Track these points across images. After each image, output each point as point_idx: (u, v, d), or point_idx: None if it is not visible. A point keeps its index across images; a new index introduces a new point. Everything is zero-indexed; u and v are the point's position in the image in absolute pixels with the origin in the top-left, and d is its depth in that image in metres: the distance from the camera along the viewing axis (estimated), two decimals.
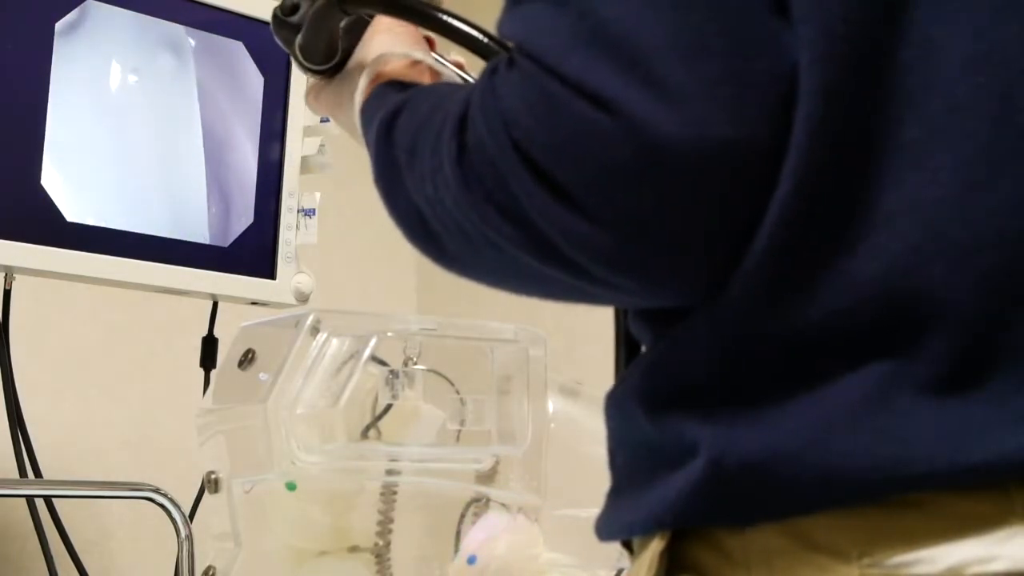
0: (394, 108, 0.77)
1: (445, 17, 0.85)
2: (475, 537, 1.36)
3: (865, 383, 0.63)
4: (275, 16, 0.95)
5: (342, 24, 0.92)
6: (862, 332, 0.63)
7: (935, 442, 0.62)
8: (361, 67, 0.89)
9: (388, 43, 0.89)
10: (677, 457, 0.66)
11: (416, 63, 0.89)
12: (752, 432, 0.64)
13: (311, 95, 0.99)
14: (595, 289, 0.68)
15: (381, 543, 1.38)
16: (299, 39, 0.92)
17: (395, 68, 0.86)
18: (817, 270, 0.63)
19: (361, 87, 0.85)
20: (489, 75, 0.68)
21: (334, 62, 0.94)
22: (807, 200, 0.63)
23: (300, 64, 0.95)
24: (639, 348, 0.74)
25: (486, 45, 0.83)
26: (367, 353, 1.27)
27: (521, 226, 0.65)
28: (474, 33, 0.83)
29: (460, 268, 0.74)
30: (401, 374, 1.32)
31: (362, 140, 0.88)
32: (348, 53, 0.93)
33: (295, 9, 0.94)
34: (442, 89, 0.78)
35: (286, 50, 0.95)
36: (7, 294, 1.43)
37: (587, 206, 0.63)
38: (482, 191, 0.66)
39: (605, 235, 0.64)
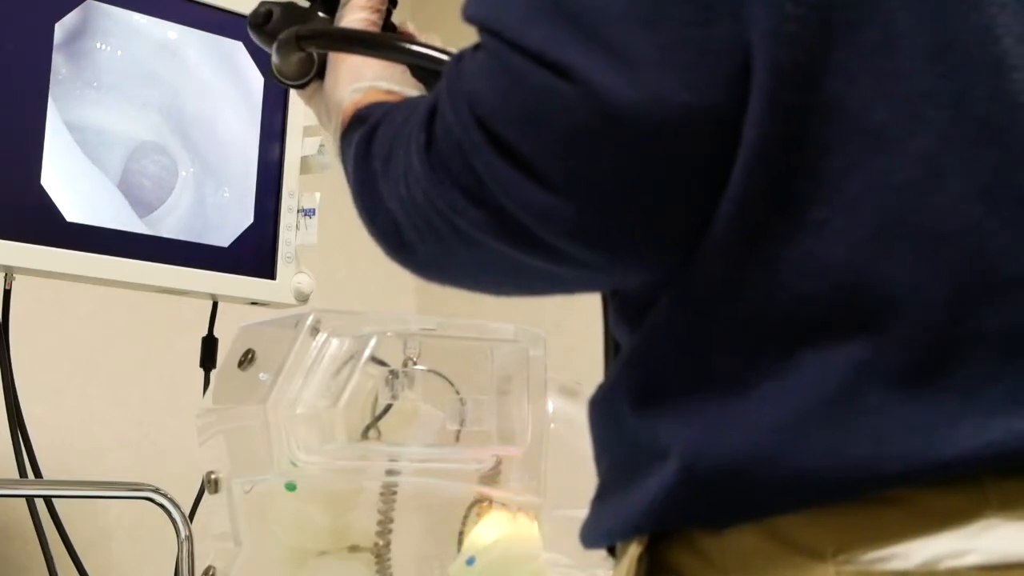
0: (373, 124, 0.77)
1: (404, 44, 0.84)
2: (475, 541, 1.36)
3: (835, 376, 0.63)
4: (250, 25, 0.95)
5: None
6: (830, 318, 0.63)
7: (907, 439, 0.62)
8: (333, 99, 0.87)
9: (353, 69, 0.87)
10: (652, 461, 0.67)
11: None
12: (723, 434, 0.64)
13: (301, 94, 0.98)
14: (563, 270, 0.68)
15: (381, 543, 1.38)
16: (272, 61, 0.92)
17: (366, 97, 0.85)
18: (782, 251, 0.64)
19: (336, 125, 0.85)
20: (456, 62, 0.69)
21: (311, 75, 0.93)
22: (765, 175, 0.63)
23: (278, 81, 0.95)
24: None
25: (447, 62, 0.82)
26: (367, 353, 1.27)
27: (487, 207, 0.66)
28: (436, 54, 0.82)
29: (436, 272, 0.75)
30: (401, 374, 1.32)
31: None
32: (324, 61, 0.92)
33: (268, 17, 0.94)
34: (416, 100, 0.78)
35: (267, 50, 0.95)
36: (7, 294, 1.43)
37: (549, 176, 0.64)
38: (449, 177, 0.67)
39: (566, 205, 0.64)
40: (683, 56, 0.62)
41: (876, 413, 0.62)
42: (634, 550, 0.68)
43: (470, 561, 1.34)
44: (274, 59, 0.91)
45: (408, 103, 0.79)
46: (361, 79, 0.85)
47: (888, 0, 0.65)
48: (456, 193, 0.67)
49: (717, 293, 0.65)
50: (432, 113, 0.69)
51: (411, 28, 0.96)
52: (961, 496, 0.62)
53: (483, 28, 0.67)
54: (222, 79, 1.53)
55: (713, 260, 0.65)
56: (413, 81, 0.86)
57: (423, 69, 0.86)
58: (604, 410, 0.73)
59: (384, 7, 0.91)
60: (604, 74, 0.62)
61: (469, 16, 0.69)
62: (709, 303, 0.65)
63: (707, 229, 0.64)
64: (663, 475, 0.65)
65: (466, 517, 1.40)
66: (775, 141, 0.63)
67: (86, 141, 1.40)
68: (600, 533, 0.72)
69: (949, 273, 0.63)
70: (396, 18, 0.96)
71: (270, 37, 0.93)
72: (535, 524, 1.38)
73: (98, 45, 1.42)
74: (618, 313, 0.73)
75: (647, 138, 0.62)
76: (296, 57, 0.91)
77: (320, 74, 0.92)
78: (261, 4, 0.95)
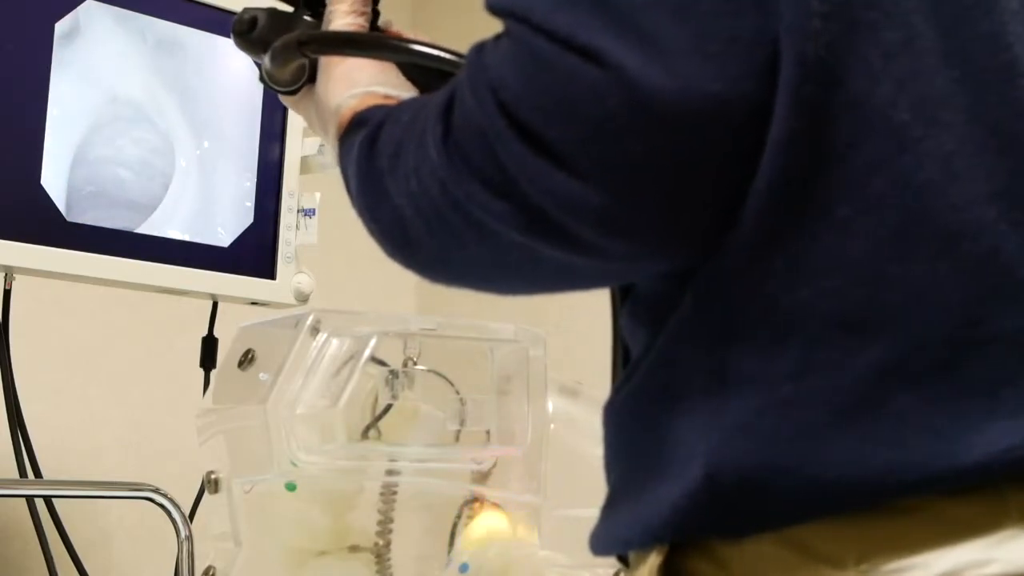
0: (376, 125, 0.77)
1: (407, 44, 0.84)
2: (466, 545, 1.36)
3: (856, 379, 0.63)
4: (235, 32, 0.94)
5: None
6: (850, 316, 0.63)
7: (928, 445, 0.62)
8: (329, 105, 0.87)
9: (346, 74, 0.87)
10: (671, 467, 0.66)
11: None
12: (746, 442, 0.64)
13: (287, 99, 0.97)
14: (582, 261, 0.68)
15: (381, 543, 1.38)
16: (265, 67, 0.91)
17: (363, 101, 0.84)
18: (805, 247, 0.64)
19: (333, 132, 0.84)
20: (477, 52, 0.68)
21: (302, 82, 0.92)
22: (790, 170, 0.63)
23: (268, 87, 0.94)
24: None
25: (456, 63, 0.82)
26: (367, 353, 1.27)
27: (508, 197, 0.65)
28: (439, 53, 0.82)
29: (441, 269, 0.74)
30: (401, 374, 1.32)
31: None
32: (315, 65, 0.91)
33: (253, 24, 0.93)
34: (422, 98, 0.78)
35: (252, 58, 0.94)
36: (7, 294, 1.43)
37: (576, 162, 0.63)
38: (468, 168, 0.66)
39: (594, 192, 0.64)
40: (713, 45, 0.62)
41: (897, 418, 0.62)
42: (654, 560, 0.68)
43: (463, 568, 1.34)
44: (267, 65, 0.90)
45: (412, 102, 0.78)
46: (356, 84, 0.85)
47: (906, 2, 0.65)
48: (476, 183, 0.66)
49: (741, 289, 0.65)
50: (450, 104, 0.68)
51: (395, 28, 0.95)
52: (981, 506, 0.62)
53: (509, 16, 0.67)
54: (221, 79, 1.53)
55: (738, 254, 0.64)
56: (407, 85, 0.86)
57: (418, 71, 0.86)
58: (621, 414, 0.72)
59: (368, 9, 0.91)
60: (636, 60, 0.62)
61: (493, 5, 0.68)
62: (733, 300, 0.65)
63: (733, 222, 0.64)
64: (684, 483, 0.65)
65: (458, 517, 1.40)
66: (799, 136, 0.63)
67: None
68: (614, 541, 0.72)
69: (966, 274, 0.63)
70: (396, 17, 0.95)
71: (256, 44, 0.92)
72: (532, 523, 1.37)
73: (97, 46, 1.42)
74: (633, 315, 0.72)
75: (678, 126, 0.62)
76: (295, 64, 0.90)
77: (311, 79, 0.91)
78: (245, 11, 0.94)
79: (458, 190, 0.67)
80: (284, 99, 0.96)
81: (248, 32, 0.93)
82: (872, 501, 0.62)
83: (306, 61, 0.90)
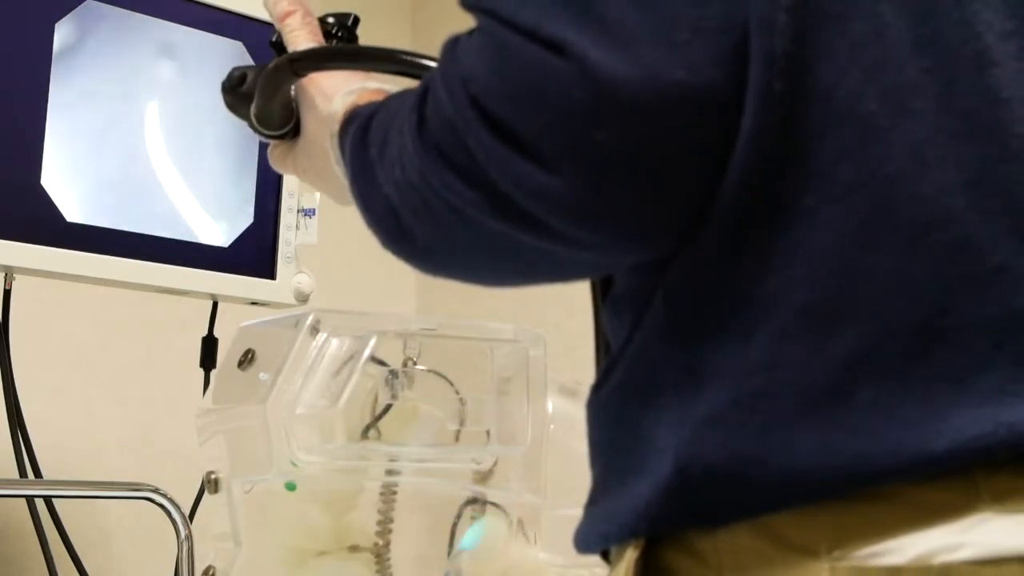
0: (368, 115, 0.78)
1: (398, 54, 0.85)
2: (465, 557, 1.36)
3: (826, 370, 0.63)
4: (224, 89, 0.95)
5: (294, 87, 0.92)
6: (819, 307, 0.63)
7: (898, 433, 0.62)
8: (319, 117, 0.88)
9: (330, 86, 0.88)
10: (646, 465, 0.67)
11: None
12: (716, 435, 0.64)
13: (276, 159, 0.98)
14: (559, 249, 0.68)
15: (381, 543, 1.38)
16: (253, 108, 0.92)
17: (360, 98, 0.85)
18: (773, 239, 0.64)
19: (332, 145, 0.85)
20: (451, 45, 0.69)
21: (292, 124, 0.93)
22: (760, 163, 0.63)
23: (258, 132, 0.94)
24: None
25: None
26: (367, 353, 1.27)
27: (480, 187, 0.66)
28: (425, 62, 0.83)
29: (435, 258, 0.75)
30: (401, 374, 1.32)
31: (340, 198, 0.88)
32: (299, 120, 0.92)
33: (243, 80, 0.94)
34: (409, 90, 0.79)
35: (242, 120, 0.95)
36: (7, 294, 1.43)
37: (541, 152, 0.64)
38: (441, 158, 0.67)
39: (559, 182, 0.64)
40: (678, 34, 0.62)
41: (867, 407, 0.62)
42: (631, 554, 0.68)
43: None
44: (258, 101, 0.91)
45: (402, 92, 0.79)
46: (342, 88, 0.86)
47: None
48: (449, 173, 0.67)
49: (711, 281, 0.65)
50: (424, 94, 0.69)
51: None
52: (953, 490, 0.62)
53: (479, 10, 0.68)
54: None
55: (709, 246, 0.65)
56: None
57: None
58: (600, 410, 0.73)
59: (312, 17, 0.93)
60: (599, 50, 0.62)
61: (465, 0, 0.69)
62: (703, 292, 0.66)
63: (705, 214, 0.64)
64: (656, 478, 0.66)
65: (458, 516, 1.40)
66: (769, 129, 0.63)
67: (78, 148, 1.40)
68: (595, 538, 0.72)
69: (935, 263, 0.63)
70: (396, 18, 0.96)
71: (245, 98, 0.93)
72: (532, 523, 1.37)
73: (97, 46, 1.42)
74: (612, 312, 0.73)
75: (641, 115, 0.62)
76: (284, 88, 0.90)
77: (296, 131, 0.92)
78: (234, 69, 0.96)
79: (434, 179, 0.68)
80: (274, 158, 0.97)
81: (238, 87, 0.94)
82: (843, 490, 0.63)
83: (292, 105, 0.92)
